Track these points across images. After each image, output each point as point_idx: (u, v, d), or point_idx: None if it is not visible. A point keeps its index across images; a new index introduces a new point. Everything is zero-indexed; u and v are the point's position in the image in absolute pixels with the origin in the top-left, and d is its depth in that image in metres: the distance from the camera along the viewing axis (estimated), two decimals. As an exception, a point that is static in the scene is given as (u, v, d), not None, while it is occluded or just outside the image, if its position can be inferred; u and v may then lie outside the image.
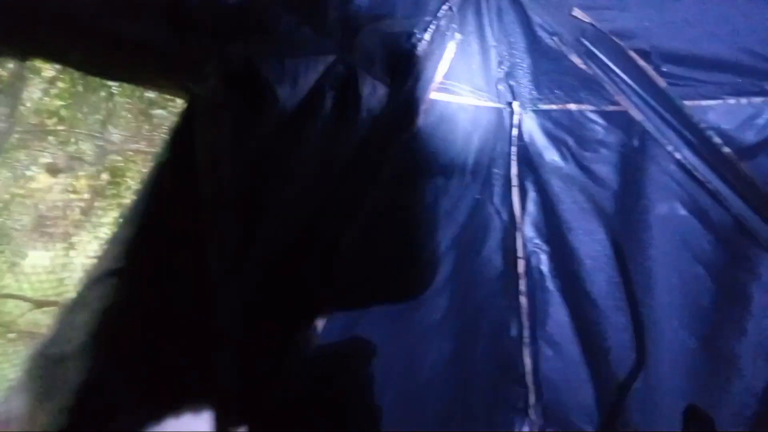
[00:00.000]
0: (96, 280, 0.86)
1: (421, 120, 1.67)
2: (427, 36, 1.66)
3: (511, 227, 1.99)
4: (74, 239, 3.95)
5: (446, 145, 1.82)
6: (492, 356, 1.99)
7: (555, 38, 1.72)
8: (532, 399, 1.97)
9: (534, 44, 1.76)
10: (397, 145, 1.54)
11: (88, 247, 3.72)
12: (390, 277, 1.80)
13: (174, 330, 0.89)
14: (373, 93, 1.48)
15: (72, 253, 3.89)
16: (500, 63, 1.85)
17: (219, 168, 1.04)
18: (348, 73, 1.40)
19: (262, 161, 1.15)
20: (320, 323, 1.53)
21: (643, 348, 1.76)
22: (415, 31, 1.65)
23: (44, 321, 3.87)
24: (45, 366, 0.83)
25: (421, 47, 1.65)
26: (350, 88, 1.39)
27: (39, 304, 3.90)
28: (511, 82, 1.87)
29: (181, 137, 0.91)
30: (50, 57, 0.98)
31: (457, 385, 1.95)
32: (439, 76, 1.72)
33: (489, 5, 1.75)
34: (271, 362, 1.25)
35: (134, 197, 0.91)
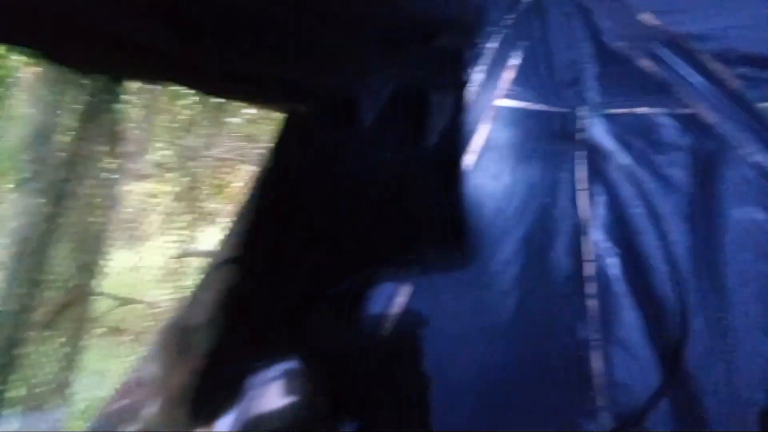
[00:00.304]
0: (217, 266, 1.11)
1: (488, 127, 1.84)
2: (492, 45, 1.82)
3: (578, 231, 2.08)
4: (154, 241, 4.43)
5: (512, 150, 1.97)
6: (560, 359, 2.08)
7: (622, 43, 1.83)
8: (601, 402, 2.05)
9: (601, 49, 1.85)
10: (464, 153, 1.71)
11: (168, 249, 4.15)
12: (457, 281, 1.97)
13: (280, 307, 1.12)
14: (441, 104, 1.67)
15: (152, 254, 4.36)
16: (566, 68, 1.96)
17: (294, 178, 1.25)
18: (417, 87, 1.60)
19: (339, 174, 1.36)
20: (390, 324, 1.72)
21: (719, 354, 1.82)
22: (481, 41, 1.82)
23: (128, 317, 4.36)
24: (177, 336, 1.09)
25: (487, 56, 1.82)
26: (419, 101, 1.59)
27: (123, 301, 4.40)
28: (578, 87, 1.96)
29: (282, 147, 1.15)
30: (50, 58, 1.03)
31: (525, 387, 2.06)
32: (505, 82, 1.88)
33: (554, 11, 1.87)
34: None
35: (245, 197, 1.16)
